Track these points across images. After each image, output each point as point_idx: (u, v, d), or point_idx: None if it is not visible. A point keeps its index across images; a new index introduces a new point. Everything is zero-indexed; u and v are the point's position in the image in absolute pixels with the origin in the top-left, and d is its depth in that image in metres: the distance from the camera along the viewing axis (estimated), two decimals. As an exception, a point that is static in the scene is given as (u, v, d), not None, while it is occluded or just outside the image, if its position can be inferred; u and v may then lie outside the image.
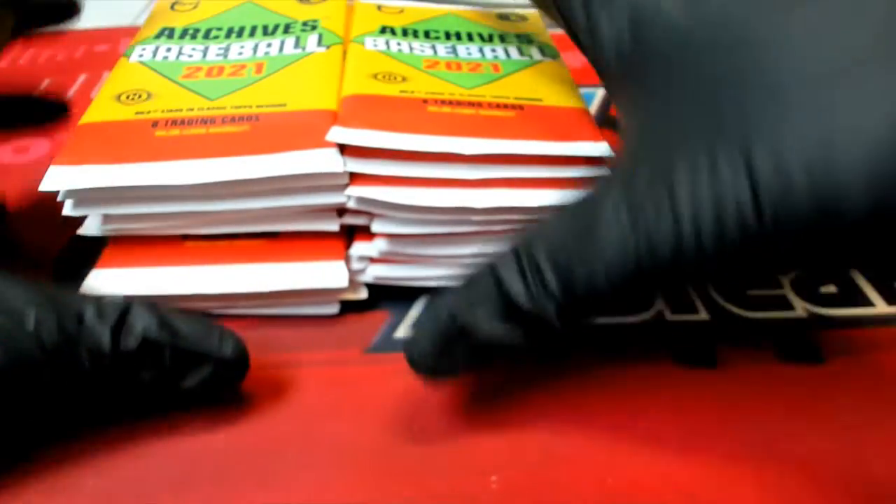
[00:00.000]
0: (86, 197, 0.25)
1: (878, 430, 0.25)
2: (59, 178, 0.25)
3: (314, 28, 0.32)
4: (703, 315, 0.30)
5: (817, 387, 0.27)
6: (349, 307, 0.29)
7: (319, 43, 0.31)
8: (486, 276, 0.21)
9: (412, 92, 0.28)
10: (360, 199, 0.26)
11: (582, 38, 0.24)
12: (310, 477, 0.23)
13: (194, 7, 0.35)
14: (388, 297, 0.29)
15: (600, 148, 0.26)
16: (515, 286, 0.20)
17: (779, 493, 0.23)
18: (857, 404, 0.26)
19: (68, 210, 0.26)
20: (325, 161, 0.25)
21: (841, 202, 0.17)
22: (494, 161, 0.26)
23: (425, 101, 0.27)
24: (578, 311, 0.21)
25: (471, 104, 0.27)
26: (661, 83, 0.21)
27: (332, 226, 0.27)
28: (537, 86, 0.29)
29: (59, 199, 0.26)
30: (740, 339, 0.28)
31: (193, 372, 0.22)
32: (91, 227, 0.27)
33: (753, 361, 0.28)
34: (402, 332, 0.28)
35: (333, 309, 0.29)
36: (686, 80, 0.20)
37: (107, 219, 0.26)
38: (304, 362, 0.27)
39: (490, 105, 0.27)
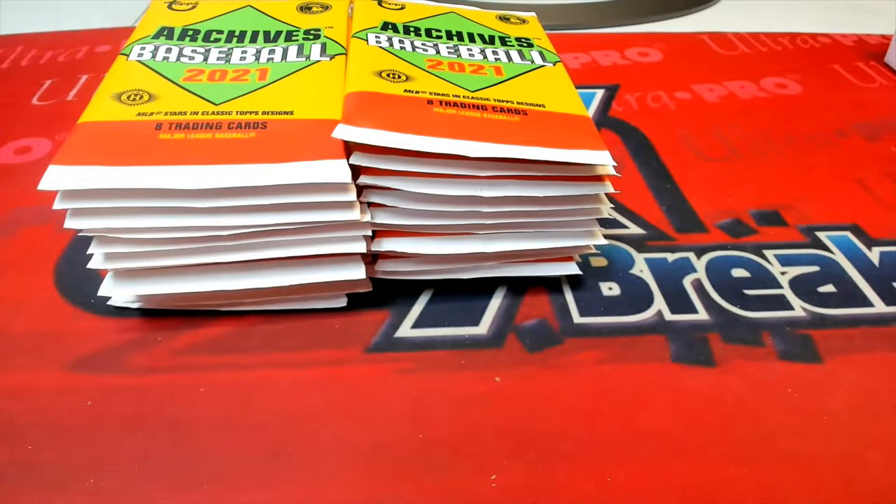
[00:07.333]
0: (84, 196, 0.25)
1: (878, 429, 0.25)
2: (58, 178, 0.24)
3: (317, 37, 0.33)
4: (704, 315, 0.30)
5: (816, 386, 0.27)
6: (350, 304, 0.29)
7: (323, 52, 0.31)
8: None
9: (416, 92, 0.28)
10: (370, 188, 0.27)
11: None
12: (310, 477, 0.23)
13: (192, 7, 0.35)
14: (389, 295, 0.30)
15: (602, 156, 0.27)
16: None
17: (779, 493, 0.23)
18: (856, 403, 0.26)
19: (69, 223, 0.25)
20: (335, 172, 0.25)
21: None
22: (499, 162, 0.27)
23: (430, 101, 0.28)
24: None
25: (475, 107, 0.28)
26: None
27: (353, 214, 0.27)
28: (540, 91, 0.30)
29: (56, 199, 0.25)
30: (740, 338, 0.29)
31: None
32: (97, 260, 0.27)
33: (753, 361, 0.28)
34: (403, 331, 0.28)
35: (341, 302, 0.29)
36: None
37: (103, 240, 0.26)
38: (305, 362, 0.27)
39: (494, 108, 0.28)
